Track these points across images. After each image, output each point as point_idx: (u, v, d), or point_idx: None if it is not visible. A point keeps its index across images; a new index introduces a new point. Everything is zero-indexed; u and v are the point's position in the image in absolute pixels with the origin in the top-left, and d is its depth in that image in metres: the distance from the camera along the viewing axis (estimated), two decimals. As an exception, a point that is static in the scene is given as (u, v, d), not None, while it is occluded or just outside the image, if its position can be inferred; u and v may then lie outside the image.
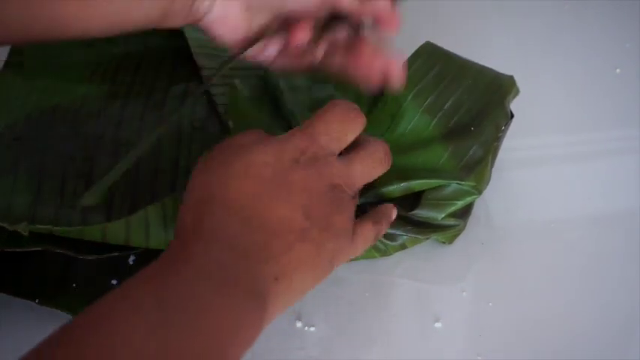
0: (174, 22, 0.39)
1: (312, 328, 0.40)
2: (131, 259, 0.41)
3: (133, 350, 0.26)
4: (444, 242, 0.44)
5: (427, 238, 0.43)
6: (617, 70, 0.57)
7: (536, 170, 0.49)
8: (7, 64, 0.49)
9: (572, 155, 0.51)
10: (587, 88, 0.55)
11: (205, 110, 0.46)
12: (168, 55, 0.50)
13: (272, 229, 0.33)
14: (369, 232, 0.38)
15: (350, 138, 0.37)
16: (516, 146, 0.48)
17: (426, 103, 0.45)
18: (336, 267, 0.36)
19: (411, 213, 0.41)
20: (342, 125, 0.37)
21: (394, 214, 0.40)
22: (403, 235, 0.42)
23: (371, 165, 0.37)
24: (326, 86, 0.47)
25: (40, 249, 0.37)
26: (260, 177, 0.33)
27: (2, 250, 0.38)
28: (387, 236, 0.42)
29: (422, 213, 0.42)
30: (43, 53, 0.50)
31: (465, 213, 0.44)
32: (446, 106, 0.45)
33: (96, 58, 0.50)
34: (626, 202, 0.47)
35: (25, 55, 0.49)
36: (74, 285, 0.40)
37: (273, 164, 0.34)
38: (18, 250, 0.37)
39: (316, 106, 0.46)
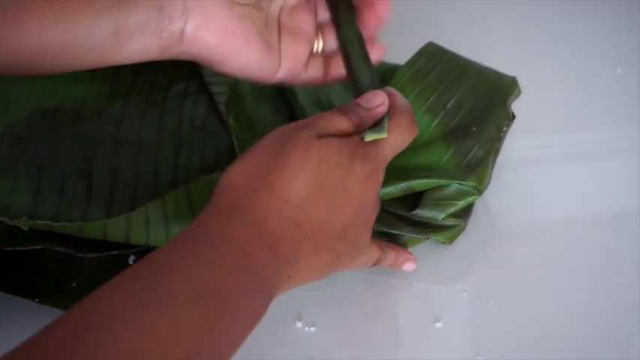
0: (149, 45, 0.36)
1: (312, 328, 0.40)
2: (131, 259, 0.41)
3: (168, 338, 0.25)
4: (444, 242, 0.44)
5: (427, 239, 0.43)
6: (618, 70, 0.57)
7: (537, 170, 0.49)
8: None
9: (573, 155, 0.51)
10: (587, 88, 0.55)
11: (206, 109, 0.46)
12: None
13: (311, 230, 0.32)
14: (373, 258, 0.39)
15: (403, 148, 0.37)
16: (516, 146, 0.48)
17: (428, 102, 0.45)
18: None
19: (411, 213, 0.41)
20: (405, 139, 0.37)
21: (409, 266, 0.41)
22: (403, 236, 0.42)
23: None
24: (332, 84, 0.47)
25: (39, 247, 0.37)
26: (328, 177, 0.32)
27: (2, 249, 0.37)
28: (387, 237, 0.42)
29: (422, 213, 0.42)
30: None
31: (465, 213, 0.44)
32: (448, 106, 0.45)
33: None
34: (626, 202, 0.47)
35: None
36: (74, 284, 0.40)
37: (344, 169, 0.33)
38: (18, 248, 0.37)
39: (324, 102, 0.46)
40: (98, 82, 0.48)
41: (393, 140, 0.36)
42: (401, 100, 0.37)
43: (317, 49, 0.41)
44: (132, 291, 0.27)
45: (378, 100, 0.37)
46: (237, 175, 0.33)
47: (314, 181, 0.32)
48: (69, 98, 0.47)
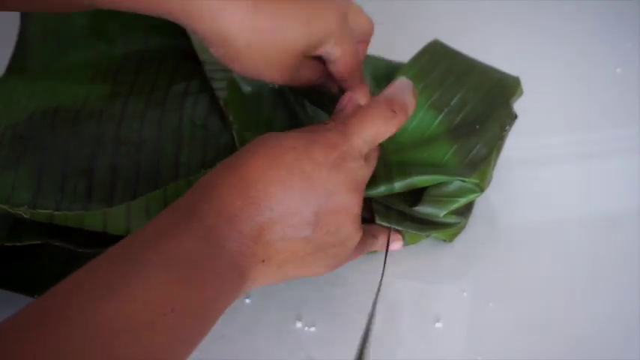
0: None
1: (312, 328, 0.40)
2: (131, 258, 0.41)
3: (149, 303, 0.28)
4: (444, 240, 0.44)
5: (427, 236, 0.43)
6: (618, 70, 0.57)
7: (537, 170, 0.49)
8: (9, 68, 0.49)
9: (573, 155, 0.51)
10: (587, 88, 0.55)
11: (206, 108, 0.46)
12: (170, 54, 0.50)
13: (278, 214, 0.33)
14: (367, 246, 0.40)
15: (383, 139, 0.37)
16: (516, 146, 0.47)
17: (433, 98, 0.45)
18: (332, 271, 0.37)
19: (412, 209, 0.41)
20: (378, 128, 0.37)
21: (396, 245, 0.41)
22: (404, 232, 0.42)
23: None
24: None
25: (39, 242, 0.37)
26: (282, 160, 0.33)
27: (2, 245, 0.37)
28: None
29: (424, 209, 0.42)
30: (47, 57, 0.50)
31: (466, 211, 0.44)
32: (452, 103, 0.45)
33: (97, 59, 0.50)
34: (626, 202, 0.47)
35: (29, 59, 0.49)
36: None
37: (299, 151, 0.34)
38: (18, 244, 0.37)
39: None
40: (99, 82, 0.48)
41: (364, 130, 0.36)
42: (364, 91, 0.39)
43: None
44: (106, 267, 0.30)
45: (343, 101, 0.39)
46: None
47: (267, 161, 0.33)
48: (70, 98, 0.47)
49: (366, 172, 0.36)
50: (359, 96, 0.39)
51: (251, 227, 0.32)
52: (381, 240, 0.41)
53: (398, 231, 0.42)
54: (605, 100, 0.54)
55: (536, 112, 0.50)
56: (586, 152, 0.51)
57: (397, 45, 0.51)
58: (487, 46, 0.50)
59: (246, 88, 0.45)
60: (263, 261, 0.33)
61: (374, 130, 0.36)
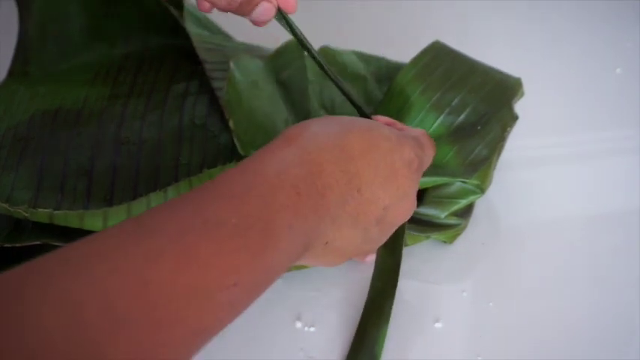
0: None
1: (312, 328, 0.40)
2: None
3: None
4: (444, 242, 0.44)
5: (428, 237, 0.43)
6: (618, 70, 0.57)
7: (537, 170, 0.49)
8: (10, 72, 0.49)
9: (572, 155, 0.51)
10: (587, 88, 0.55)
11: (206, 108, 0.46)
12: (170, 54, 0.50)
13: (359, 199, 0.32)
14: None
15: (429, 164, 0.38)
16: (516, 146, 0.48)
17: (434, 99, 0.45)
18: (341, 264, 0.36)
19: (415, 209, 0.41)
20: (433, 153, 0.38)
21: (370, 258, 0.41)
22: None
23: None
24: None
25: (39, 243, 0.37)
26: (379, 146, 0.33)
27: (2, 246, 0.37)
28: None
29: (425, 210, 0.42)
30: (47, 59, 0.50)
31: (466, 212, 0.44)
32: (453, 104, 0.45)
33: (97, 60, 0.50)
34: (626, 202, 0.47)
35: (30, 63, 0.49)
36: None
37: (394, 143, 0.33)
38: (17, 245, 0.37)
39: (326, 102, 0.46)
40: (99, 83, 0.48)
41: (429, 149, 0.37)
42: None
43: None
44: (176, 212, 0.26)
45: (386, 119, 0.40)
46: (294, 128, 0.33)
47: (367, 140, 0.32)
48: (70, 100, 0.47)
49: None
50: None
51: (336, 204, 0.31)
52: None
53: None
54: (605, 100, 0.54)
55: (536, 113, 0.50)
56: (586, 152, 0.51)
57: (398, 46, 0.51)
58: (487, 47, 0.50)
59: (240, 77, 0.44)
60: (326, 243, 0.32)
61: (432, 156, 0.38)
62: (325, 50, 0.49)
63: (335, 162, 0.31)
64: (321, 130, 0.32)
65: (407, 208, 0.35)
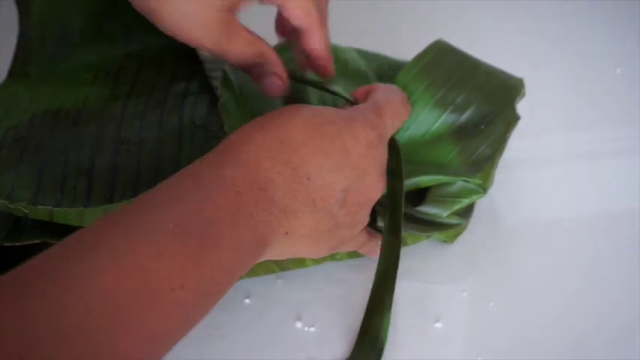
0: None
1: (312, 328, 0.40)
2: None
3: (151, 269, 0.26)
4: (445, 241, 0.44)
5: (428, 237, 0.43)
6: (618, 70, 0.57)
7: (537, 170, 0.49)
8: (10, 73, 0.49)
9: (573, 155, 0.51)
10: (587, 88, 0.55)
11: (206, 108, 0.46)
12: (170, 54, 0.50)
13: (313, 185, 0.32)
14: (362, 241, 0.39)
15: (400, 125, 0.38)
16: (516, 146, 0.47)
17: (437, 96, 0.44)
18: (327, 254, 0.37)
19: (415, 209, 0.41)
20: (402, 112, 0.37)
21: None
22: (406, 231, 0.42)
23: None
24: (338, 78, 0.47)
25: (39, 242, 0.37)
26: (326, 131, 0.32)
27: (2, 245, 0.37)
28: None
29: (427, 209, 0.42)
30: (47, 60, 0.50)
31: (467, 212, 0.44)
32: (457, 102, 0.44)
33: (97, 60, 0.50)
34: (626, 202, 0.47)
35: (30, 63, 0.49)
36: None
37: (341, 125, 0.33)
38: (17, 244, 0.37)
39: (327, 98, 0.46)
40: (99, 83, 0.48)
41: (393, 113, 0.37)
42: (386, 85, 0.40)
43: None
44: (116, 224, 0.27)
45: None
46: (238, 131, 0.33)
47: (310, 128, 0.32)
48: (70, 100, 0.47)
49: (386, 154, 0.36)
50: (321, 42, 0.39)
51: (283, 195, 0.31)
52: (374, 242, 0.40)
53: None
54: (605, 100, 0.54)
55: (536, 113, 0.50)
56: (586, 152, 0.51)
57: (398, 45, 0.51)
58: (486, 47, 0.50)
59: (234, 79, 0.44)
60: (286, 233, 0.32)
61: (398, 116, 0.37)
62: None
63: (273, 156, 0.31)
64: (260, 128, 0.32)
65: (371, 185, 0.34)
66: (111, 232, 0.26)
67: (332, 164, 0.32)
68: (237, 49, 0.37)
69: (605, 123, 0.53)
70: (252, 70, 0.39)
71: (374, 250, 0.40)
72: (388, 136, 0.36)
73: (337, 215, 0.33)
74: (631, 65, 0.57)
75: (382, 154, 0.35)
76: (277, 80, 0.38)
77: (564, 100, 0.54)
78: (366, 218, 0.36)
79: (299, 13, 0.38)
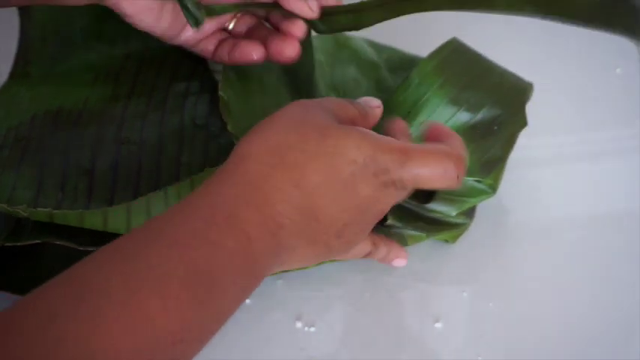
0: None
1: (312, 328, 0.40)
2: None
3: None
4: (446, 241, 0.44)
5: (428, 237, 0.43)
6: (618, 70, 0.57)
7: (537, 170, 0.49)
8: (12, 74, 0.49)
9: (573, 155, 0.51)
10: (587, 88, 0.55)
11: (207, 108, 0.46)
12: (170, 53, 0.50)
13: (317, 227, 0.31)
14: (363, 251, 0.39)
15: (432, 188, 0.35)
16: (516, 147, 0.47)
17: (452, 94, 0.44)
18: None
19: (424, 206, 0.41)
20: (432, 182, 0.33)
21: (399, 262, 0.40)
22: (404, 233, 0.42)
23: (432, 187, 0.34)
24: (348, 66, 0.46)
25: (39, 242, 0.37)
26: (341, 170, 0.31)
27: (2, 245, 0.37)
28: (394, 230, 0.41)
29: (436, 207, 0.41)
30: (48, 61, 0.50)
31: (471, 212, 0.44)
32: (471, 101, 0.44)
33: (98, 61, 0.50)
34: (626, 202, 0.47)
35: (31, 64, 0.49)
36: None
37: (358, 167, 0.31)
38: (18, 244, 0.37)
39: (337, 85, 0.46)
40: (100, 84, 0.48)
41: (421, 174, 0.32)
42: (457, 143, 0.35)
43: (228, 26, 0.42)
44: (121, 264, 0.25)
45: (374, 103, 0.37)
46: (254, 144, 0.32)
47: (327, 170, 0.31)
48: (71, 100, 0.47)
49: (396, 200, 0.35)
50: None
51: (290, 237, 0.30)
52: (381, 250, 0.40)
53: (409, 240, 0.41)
54: (606, 100, 0.54)
55: (536, 113, 0.50)
56: (586, 152, 0.51)
57: (399, 43, 0.51)
58: (486, 47, 0.50)
59: (233, 75, 0.43)
60: (282, 263, 0.32)
61: (429, 173, 0.33)
62: (336, 35, 0.49)
63: (288, 200, 0.30)
64: (279, 164, 0.31)
65: (373, 218, 0.34)
66: (118, 274, 0.25)
67: (340, 206, 0.32)
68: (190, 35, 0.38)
69: (606, 123, 0.53)
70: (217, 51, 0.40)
71: (387, 258, 0.40)
72: (402, 189, 0.33)
73: (333, 245, 0.33)
74: (631, 65, 0.57)
75: (389, 201, 0.33)
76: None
77: (564, 100, 0.54)
78: (361, 240, 0.36)
79: None
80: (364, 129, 0.33)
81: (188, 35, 0.42)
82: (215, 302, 0.27)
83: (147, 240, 0.27)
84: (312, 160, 0.31)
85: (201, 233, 0.27)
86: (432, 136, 0.36)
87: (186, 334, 0.25)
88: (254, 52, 0.40)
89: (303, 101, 0.34)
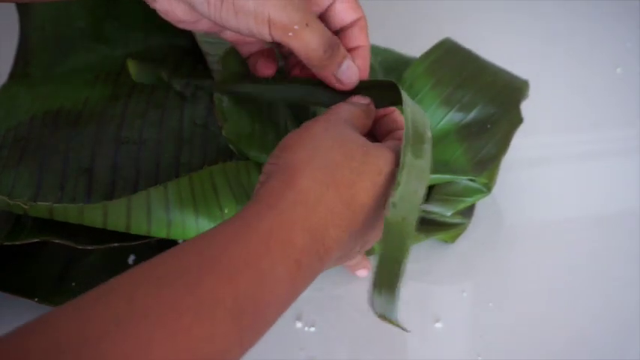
0: None
1: (312, 328, 0.40)
2: (131, 259, 0.41)
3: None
4: (445, 241, 0.44)
5: (427, 237, 0.43)
6: (618, 70, 0.57)
7: (537, 170, 0.49)
8: (11, 75, 0.49)
9: (573, 155, 0.51)
10: (588, 88, 0.55)
11: (206, 108, 0.46)
12: (170, 54, 0.50)
13: (354, 247, 0.32)
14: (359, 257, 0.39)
15: None
16: (516, 146, 0.47)
17: (444, 94, 0.44)
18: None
19: (420, 207, 0.41)
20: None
21: (362, 273, 0.41)
22: None
23: None
24: None
25: (38, 241, 0.37)
26: (380, 189, 0.31)
27: (2, 244, 0.37)
28: None
29: (432, 208, 0.41)
30: (48, 61, 0.50)
31: (469, 212, 0.44)
32: (463, 101, 0.44)
33: (98, 61, 0.50)
34: (626, 202, 0.47)
35: (31, 65, 0.49)
36: (74, 284, 0.40)
37: (383, 177, 0.31)
38: (18, 243, 0.37)
39: None
40: (100, 85, 0.48)
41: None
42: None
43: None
44: (166, 292, 0.25)
45: (366, 100, 0.36)
46: (302, 158, 0.30)
47: (373, 189, 0.31)
48: (71, 101, 0.47)
49: None
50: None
51: (332, 262, 0.31)
52: (356, 259, 0.40)
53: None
54: (605, 100, 0.54)
55: (536, 113, 0.50)
56: (586, 152, 0.51)
57: (400, 42, 0.51)
58: (486, 47, 0.50)
59: (227, 103, 0.43)
60: (321, 259, 0.31)
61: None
62: None
63: (339, 223, 0.30)
64: (332, 184, 0.30)
65: (377, 236, 0.34)
66: (166, 299, 0.24)
67: (370, 221, 0.32)
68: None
69: (605, 123, 0.53)
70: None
71: (356, 266, 0.41)
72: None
73: (353, 256, 0.35)
74: (631, 65, 0.57)
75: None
76: (350, 62, 0.36)
77: (564, 100, 0.54)
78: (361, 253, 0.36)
79: (352, 4, 0.36)
80: (390, 145, 0.33)
81: (229, 34, 0.39)
82: (256, 326, 0.27)
83: (199, 271, 0.26)
84: (360, 179, 0.30)
85: (254, 262, 0.27)
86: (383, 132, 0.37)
87: (227, 355, 0.25)
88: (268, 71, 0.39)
89: (326, 117, 0.33)
